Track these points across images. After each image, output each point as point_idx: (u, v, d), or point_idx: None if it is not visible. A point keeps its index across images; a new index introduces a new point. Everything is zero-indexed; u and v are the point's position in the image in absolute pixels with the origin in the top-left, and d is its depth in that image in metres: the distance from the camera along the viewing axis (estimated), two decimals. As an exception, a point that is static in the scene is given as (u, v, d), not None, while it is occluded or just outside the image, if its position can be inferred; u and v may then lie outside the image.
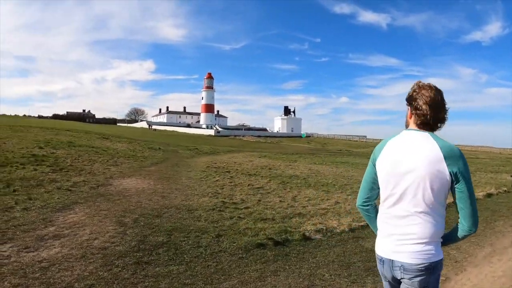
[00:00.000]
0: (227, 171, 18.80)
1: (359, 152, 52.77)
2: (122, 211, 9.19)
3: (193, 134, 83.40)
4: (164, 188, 12.88)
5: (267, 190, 13.34)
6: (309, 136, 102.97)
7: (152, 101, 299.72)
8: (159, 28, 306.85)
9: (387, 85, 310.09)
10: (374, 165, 2.59)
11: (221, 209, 9.97)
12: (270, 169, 20.87)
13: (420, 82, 2.49)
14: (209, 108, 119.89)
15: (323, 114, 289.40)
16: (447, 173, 2.25)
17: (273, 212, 9.73)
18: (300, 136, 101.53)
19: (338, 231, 8.06)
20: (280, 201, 11.42)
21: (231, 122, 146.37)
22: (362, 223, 8.49)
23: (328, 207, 10.64)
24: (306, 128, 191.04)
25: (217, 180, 15.39)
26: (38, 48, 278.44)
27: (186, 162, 23.55)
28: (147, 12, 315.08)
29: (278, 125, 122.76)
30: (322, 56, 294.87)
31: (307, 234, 7.73)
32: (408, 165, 2.32)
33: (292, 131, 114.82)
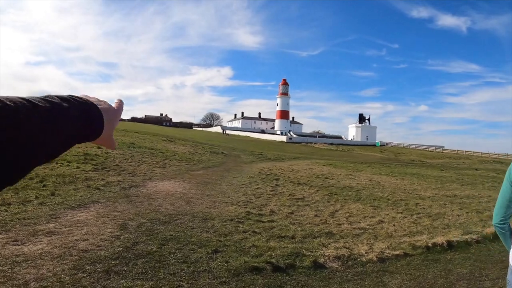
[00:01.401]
0: (276, 179, 17.81)
1: (433, 163, 49.67)
2: (134, 214, 8.67)
3: (265, 140, 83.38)
4: (195, 193, 12.20)
5: (307, 202, 12.14)
6: (384, 145, 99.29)
7: (229, 107, 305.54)
8: (236, 35, 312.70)
9: (468, 93, 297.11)
10: (511, 184, 2.52)
11: (241, 220, 8.96)
12: (326, 178, 19.60)
13: None
14: (283, 114, 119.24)
15: (400, 123, 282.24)
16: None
17: (298, 229, 8.48)
18: (374, 145, 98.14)
19: (363, 260, 6.60)
20: (315, 215, 10.15)
21: (306, 129, 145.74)
22: (397, 252, 7.04)
23: (368, 226, 9.19)
24: (383, 137, 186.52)
25: (258, 188, 14.43)
26: (120, 54, 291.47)
27: (241, 168, 22.82)
28: (224, 20, 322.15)
29: (352, 133, 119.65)
30: (400, 63, 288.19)
31: (321, 260, 6.38)
32: None
33: (367, 139, 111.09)
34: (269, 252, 6.56)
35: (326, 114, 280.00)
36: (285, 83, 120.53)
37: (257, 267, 5.83)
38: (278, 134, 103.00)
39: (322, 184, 16.90)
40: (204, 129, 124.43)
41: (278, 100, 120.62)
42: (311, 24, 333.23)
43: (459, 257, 7.12)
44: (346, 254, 6.67)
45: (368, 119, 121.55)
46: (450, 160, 60.04)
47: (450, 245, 7.69)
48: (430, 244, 7.58)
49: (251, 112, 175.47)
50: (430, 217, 10.71)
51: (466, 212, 11.61)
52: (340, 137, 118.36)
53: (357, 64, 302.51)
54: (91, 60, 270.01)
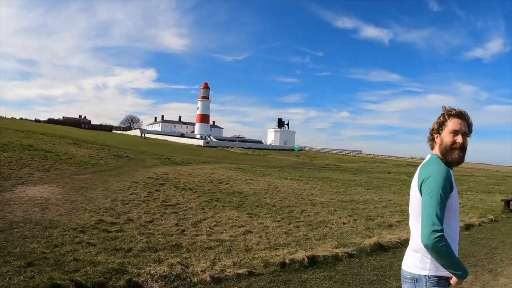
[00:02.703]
0: (162, 184, 16.97)
1: (348, 167, 50.71)
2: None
3: (182, 143, 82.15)
4: (60, 199, 11.29)
5: (177, 209, 11.34)
6: (302, 150, 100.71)
7: (152, 110, 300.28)
8: (162, 37, 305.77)
9: (388, 101, 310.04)
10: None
11: (86, 230, 8.02)
12: (220, 183, 19.03)
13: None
14: (204, 118, 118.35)
15: (322, 128, 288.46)
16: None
17: (143, 240, 7.61)
18: (293, 149, 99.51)
19: (194, 280, 5.63)
20: (176, 224, 9.33)
21: (227, 134, 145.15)
22: (241, 271, 6.07)
23: (229, 238, 8.35)
24: (304, 142, 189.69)
25: (132, 194, 13.52)
26: (41, 52, 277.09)
27: (135, 172, 21.72)
28: (151, 20, 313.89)
29: (271, 137, 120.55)
30: (324, 70, 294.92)
31: (140, 279, 5.38)
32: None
33: (285, 143, 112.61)
34: (87, 268, 5.61)
35: (249, 119, 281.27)
36: (206, 87, 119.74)
37: (59, 285, 4.92)
38: (198, 138, 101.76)
39: (209, 190, 16.24)
40: (124, 132, 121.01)
41: (199, 104, 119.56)
42: (238, 29, 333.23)
43: (319, 277, 6.15)
44: (176, 273, 5.73)
45: (287, 124, 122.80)
46: (365, 164, 61.69)
47: (313, 261, 6.74)
48: (287, 261, 6.59)
49: (174, 116, 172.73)
50: (310, 226, 10.18)
51: (355, 220, 11.30)
52: (260, 142, 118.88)
53: (281, 71, 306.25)
54: (10, 57, 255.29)
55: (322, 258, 6.95)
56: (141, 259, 6.42)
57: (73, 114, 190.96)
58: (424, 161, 2.66)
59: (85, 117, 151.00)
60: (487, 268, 7.26)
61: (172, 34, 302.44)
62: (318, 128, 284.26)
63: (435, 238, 2.22)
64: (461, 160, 2.56)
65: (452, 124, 2.58)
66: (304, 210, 12.65)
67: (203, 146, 79.88)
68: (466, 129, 2.60)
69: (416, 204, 2.50)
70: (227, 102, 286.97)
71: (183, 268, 6.03)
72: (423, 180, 2.45)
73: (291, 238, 8.72)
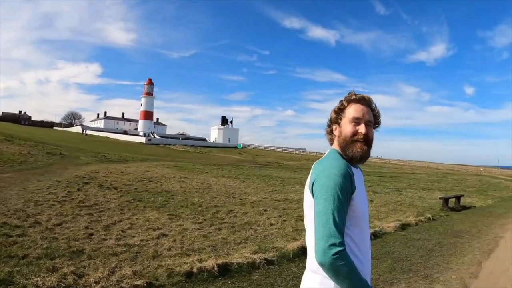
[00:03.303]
0: (86, 182, 16.25)
1: (290, 165, 50.67)
2: None
3: (124, 141, 79.72)
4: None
5: (94, 210, 10.67)
6: (245, 147, 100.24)
7: (96, 106, 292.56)
8: (108, 30, 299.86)
9: (332, 100, 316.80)
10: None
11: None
12: (150, 181, 18.44)
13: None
14: (147, 115, 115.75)
15: (267, 126, 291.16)
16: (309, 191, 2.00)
17: (43, 246, 6.98)
18: (236, 147, 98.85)
19: None
20: (86, 227, 8.74)
21: (171, 131, 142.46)
22: (139, 282, 5.45)
23: (139, 242, 7.69)
24: (249, 140, 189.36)
25: (50, 193, 12.73)
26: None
27: (63, 170, 20.69)
28: (97, 14, 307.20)
29: (214, 135, 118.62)
30: (270, 69, 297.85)
31: None
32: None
33: (229, 141, 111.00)
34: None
35: (195, 117, 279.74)
36: (150, 83, 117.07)
37: None
38: (141, 136, 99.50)
39: (136, 189, 15.60)
40: (65, 129, 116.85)
41: (142, 100, 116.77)
42: (185, 26, 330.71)
43: (229, 288, 5.55)
44: (66, 284, 5.06)
45: (231, 122, 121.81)
46: (307, 162, 61.56)
47: (225, 270, 6.00)
48: (195, 269, 5.85)
49: (118, 113, 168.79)
50: (233, 228, 9.67)
51: (284, 220, 10.83)
52: (204, 139, 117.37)
53: (228, 69, 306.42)
54: None
55: (236, 266, 6.24)
56: (33, 267, 5.79)
57: (14, 109, 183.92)
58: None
59: (25, 112, 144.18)
60: (422, 273, 6.77)
61: (118, 28, 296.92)
62: (264, 126, 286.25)
63: (333, 254, 1.65)
64: (365, 154, 2.03)
65: (353, 111, 2.07)
66: (232, 210, 12.20)
67: (145, 144, 77.89)
68: (371, 117, 2.09)
69: (310, 211, 1.93)
70: (173, 99, 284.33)
71: (76, 278, 5.38)
72: (315, 179, 1.89)
73: (208, 242, 8.12)
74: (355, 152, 1.99)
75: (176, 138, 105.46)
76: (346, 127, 2.05)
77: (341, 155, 2.02)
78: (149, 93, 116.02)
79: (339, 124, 2.09)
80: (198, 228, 9.35)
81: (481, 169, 78.10)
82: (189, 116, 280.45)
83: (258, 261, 6.50)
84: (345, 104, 2.09)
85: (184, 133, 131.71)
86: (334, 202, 1.74)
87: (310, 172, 2.01)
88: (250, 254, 6.86)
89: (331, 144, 2.16)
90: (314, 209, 1.83)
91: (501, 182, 39.06)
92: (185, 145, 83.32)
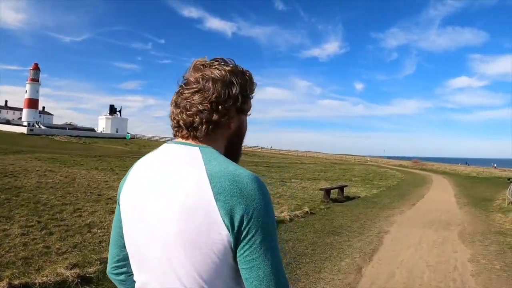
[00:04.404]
0: None
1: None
2: None
3: (3, 131, 73.25)
4: None
5: None
6: (133, 138, 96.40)
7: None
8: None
9: None
10: (119, 204, 1.33)
11: None
12: (5, 176, 15.88)
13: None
14: (32, 103, 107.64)
15: (161, 117, 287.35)
16: (221, 227, 1.05)
17: None
18: (125, 137, 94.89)
19: None
20: None
21: (58, 121, 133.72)
22: None
23: None
24: (142, 130, 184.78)
25: None
26: None
27: None
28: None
29: (102, 125, 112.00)
30: (165, 58, 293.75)
31: None
32: (153, 211, 1.15)
33: (117, 131, 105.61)
34: None
35: (86, 106, 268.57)
36: (36, 68, 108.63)
37: None
38: (25, 126, 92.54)
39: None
40: None
41: (27, 87, 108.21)
42: (79, 9, 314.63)
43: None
44: None
45: (119, 111, 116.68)
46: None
47: None
48: None
49: (1, 100, 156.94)
50: (67, 231, 8.04)
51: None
52: (92, 130, 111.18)
53: (121, 56, 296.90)
54: None
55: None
56: None
57: None
58: (195, 161, 1.15)
59: None
60: None
61: (8, 8, 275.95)
62: (157, 116, 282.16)
63: None
64: None
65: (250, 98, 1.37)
66: (79, 208, 10.56)
67: (26, 134, 72.03)
68: None
69: (204, 260, 1.06)
70: (63, 87, 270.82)
71: None
72: (245, 212, 1.04)
73: (25, 252, 6.49)
74: (240, 155, 1.41)
75: (63, 128, 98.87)
76: (245, 120, 1.37)
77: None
78: (35, 80, 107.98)
79: (243, 113, 1.33)
80: (24, 234, 7.59)
81: (368, 159, 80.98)
82: (79, 106, 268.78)
83: (70, 279, 5.08)
84: (253, 86, 1.35)
85: (72, 123, 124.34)
86: (279, 256, 1.10)
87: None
88: (65, 269, 5.35)
89: (203, 137, 1.23)
90: (246, 263, 1.06)
91: (386, 171, 40.01)
92: (70, 135, 77.97)
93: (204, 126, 1.21)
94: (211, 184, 1.07)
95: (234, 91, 1.24)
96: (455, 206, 16.02)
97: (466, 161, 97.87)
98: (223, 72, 1.23)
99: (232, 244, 1.05)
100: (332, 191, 15.52)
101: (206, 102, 1.20)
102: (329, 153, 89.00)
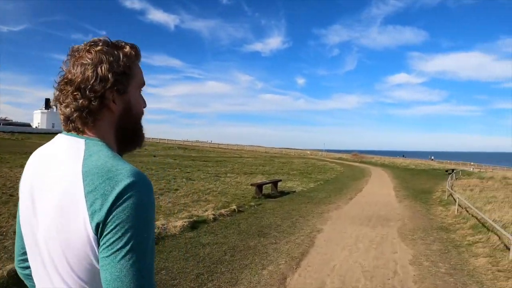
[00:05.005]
0: None
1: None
2: None
3: None
4: None
5: None
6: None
7: None
8: None
9: (168, 85, 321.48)
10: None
11: None
12: None
13: None
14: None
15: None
16: (88, 228, 1.01)
17: None
18: (60, 132, 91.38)
19: None
20: None
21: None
22: None
23: None
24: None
25: None
26: None
27: None
28: None
29: (37, 119, 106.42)
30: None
31: None
32: (39, 206, 1.12)
33: (53, 127, 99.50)
34: None
35: (23, 100, 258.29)
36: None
37: None
38: None
39: None
40: None
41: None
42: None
43: None
44: None
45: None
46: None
47: None
48: None
49: None
50: None
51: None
52: (28, 125, 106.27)
53: (61, 47, 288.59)
54: None
55: None
56: None
57: None
58: (77, 155, 1.08)
59: None
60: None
61: None
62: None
63: None
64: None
65: (140, 72, 1.26)
66: None
67: None
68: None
69: (79, 261, 1.02)
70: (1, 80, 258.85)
71: None
72: (110, 213, 0.98)
73: None
74: (142, 136, 1.29)
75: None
76: (138, 99, 1.25)
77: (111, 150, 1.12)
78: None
79: (125, 92, 1.19)
80: None
81: (308, 152, 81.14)
82: (17, 100, 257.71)
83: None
84: (132, 59, 1.21)
85: (6, 118, 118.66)
86: (143, 262, 1.00)
87: (69, 185, 1.04)
88: None
89: (81, 127, 1.14)
90: (101, 264, 1.01)
91: (326, 165, 39.63)
92: (4, 131, 73.75)
93: (76, 115, 1.11)
94: (83, 182, 1.02)
95: (103, 71, 1.10)
96: (394, 200, 15.40)
97: (403, 154, 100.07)
98: (92, 54, 1.11)
99: (96, 245, 1.00)
100: (265, 186, 14.50)
101: (75, 89, 1.10)
102: (270, 147, 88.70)
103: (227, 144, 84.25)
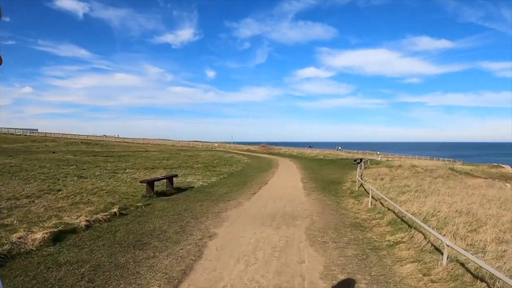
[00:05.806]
0: None
1: (8, 147, 41.80)
2: None
3: None
4: None
5: None
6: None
7: None
8: None
9: (74, 77, 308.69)
10: None
11: None
12: None
13: None
14: None
15: (2, 106, 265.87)
16: None
17: None
18: None
19: None
20: None
21: None
22: None
23: None
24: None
25: None
26: None
27: None
28: None
29: None
30: (9, 39, 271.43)
31: None
32: None
33: None
34: None
35: None
36: None
37: None
38: None
39: None
40: None
41: None
42: None
43: None
44: None
45: None
46: (32, 143, 53.31)
47: None
48: None
49: None
50: None
51: None
52: None
53: None
54: None
55: None
56: None
57: None
58: None
59: None
60: None
61: None
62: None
63: None
64: None
65: None
66: None
67: None
68: None
69: None
70: None
71: None
72: None
73: None
74: None
75: None
76: None
77: None
78: None
79: None
80: None
81: (216, 145, 79.74)
82: None
83: None
84: None
85: None
86: None
87: None
88: None
89: None
90: None
91: (232, 157, 38.45)
92: None
93: None
94: None
95: None
96: (301, 193, 14.32)
97: (309, 145, 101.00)
98: None
99: None
100: (161, 182, 12.96)
101: None
102: (179, 140, 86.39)
103: (133, 139, 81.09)
